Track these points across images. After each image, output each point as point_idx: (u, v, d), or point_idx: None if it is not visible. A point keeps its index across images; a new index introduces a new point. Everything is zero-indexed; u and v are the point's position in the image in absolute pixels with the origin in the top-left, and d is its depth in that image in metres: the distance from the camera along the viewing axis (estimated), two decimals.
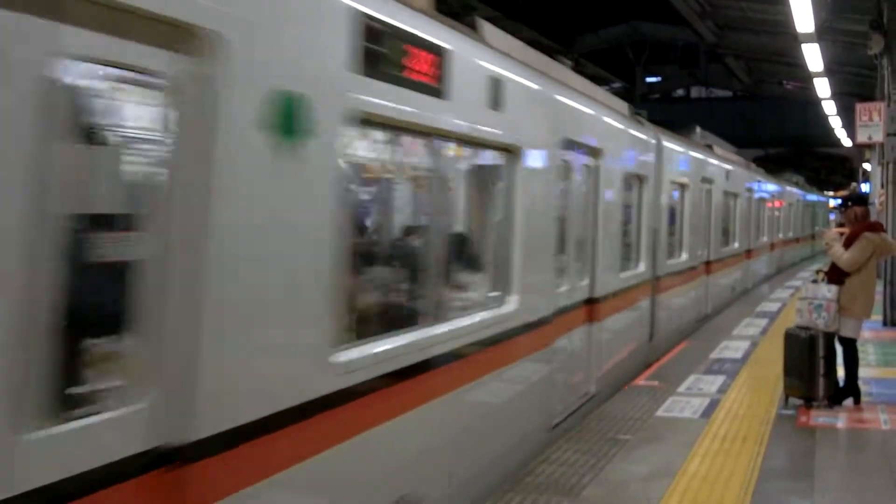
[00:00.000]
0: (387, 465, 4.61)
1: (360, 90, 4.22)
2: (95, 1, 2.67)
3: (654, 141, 11.14)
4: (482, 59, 5.88)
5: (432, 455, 5.15)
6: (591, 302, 8.29)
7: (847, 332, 8.12)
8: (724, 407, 8.16)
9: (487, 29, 6.39)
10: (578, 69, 11.26)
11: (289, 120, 3.59)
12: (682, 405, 8.22)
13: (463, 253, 6.19)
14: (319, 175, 3.89)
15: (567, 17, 27.95)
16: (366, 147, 4.96)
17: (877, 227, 8.57)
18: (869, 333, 12.12)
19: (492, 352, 5.91)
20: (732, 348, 11.55)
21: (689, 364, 10.30)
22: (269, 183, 3.50)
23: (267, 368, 3.57)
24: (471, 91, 5.56)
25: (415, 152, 5.36)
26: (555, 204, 7.17)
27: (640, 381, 9.37)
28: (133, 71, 2.92)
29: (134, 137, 3.08)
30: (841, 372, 8.21)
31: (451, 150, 5.63)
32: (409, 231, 5.66)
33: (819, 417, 7.77)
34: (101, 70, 2.85)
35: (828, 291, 8.03)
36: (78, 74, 2.73)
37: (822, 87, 20.85)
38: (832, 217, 41.86)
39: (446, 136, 5.36)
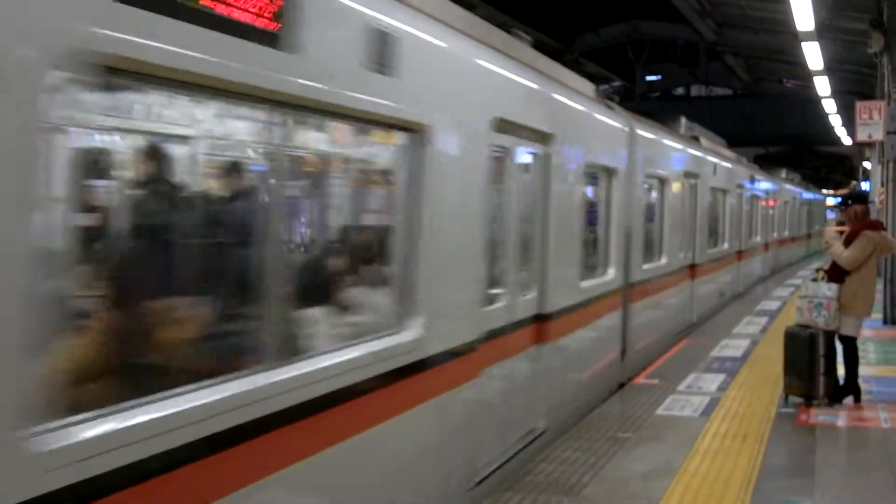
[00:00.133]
0: None
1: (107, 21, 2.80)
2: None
3: (626, 129, 9.63)
4: (360, 2, 4.34)
5: None
6: (540, 319, 6.89)
7: (847, 331, 8.13)
8: (725, 405, 8.17)
9: None
10: (573, 65, 11.08)
11: None
12: (683, 404, 8.22)
13: (347, 266, 4.98)
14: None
15: (567, 17, 27.95)
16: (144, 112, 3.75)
17: (877, 226, 8.57)
18: (869, 332, 12.11)
19: (373, 399, 4.41)
20: (732, 347, 11.55)
21: (689, 362, 10.30)
22: None
23: None
24: (339, 45, 4.11)
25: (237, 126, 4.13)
26: (484, 201, 5.71)
27: (640, 380, 9.38)
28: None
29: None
30: (841, 370, 8.21)
31: (314, 125, 4.43)
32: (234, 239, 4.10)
33: (819, 416, 7.77)
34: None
35: (828, 290, 8.03)
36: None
37: (822, 85, 20.85)
38: (832, 215, 41.66)
39: (297, 105, 3.84)
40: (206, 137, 4.30)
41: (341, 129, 4.74)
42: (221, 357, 3.77)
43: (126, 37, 2.85)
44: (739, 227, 18.36)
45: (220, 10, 3.23)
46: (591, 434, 7.14)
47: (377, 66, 4.35)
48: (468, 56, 5.69)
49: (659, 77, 38.39)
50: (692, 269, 13.51)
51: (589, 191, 8.74)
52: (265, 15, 3.46)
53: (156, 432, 2.97)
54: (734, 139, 32.06)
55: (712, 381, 9.24)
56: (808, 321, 8.07)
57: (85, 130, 3.37)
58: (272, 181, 3.86)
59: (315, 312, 4.45)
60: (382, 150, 5.17)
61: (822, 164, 50.28)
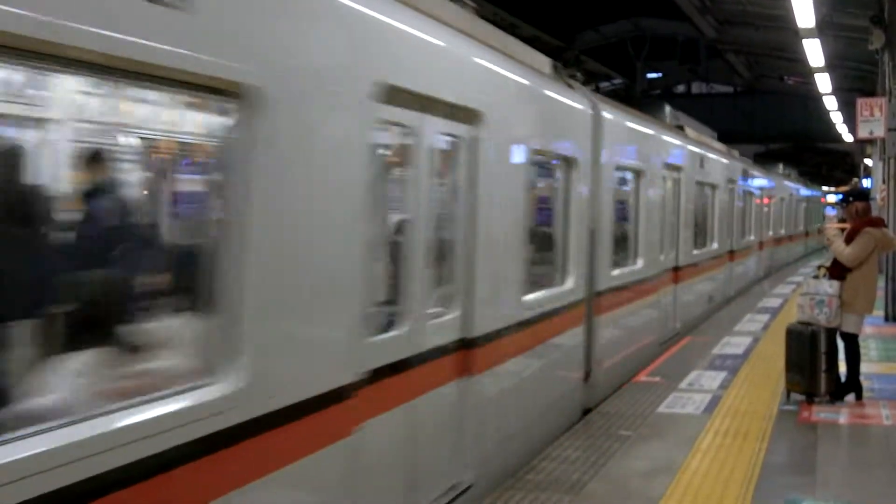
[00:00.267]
0: None
1: None
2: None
3: (589, 112, 8.24)
4: None
5: None
6: (466, 345, 5.54)
7: (849, 328, 8.12)
8: (726, 403, 8.16)
9: None
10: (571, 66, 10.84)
11: None
12: (684, 401, 8.22)
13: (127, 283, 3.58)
14: None
15: (568, 14, 27.93)
16: None
17: (878, 223, 8.57)
18: (870, 329, 12.11)
19: (153, 491, 2.96)
20: (734, 344, 11.54)
21: (690, 360, 10.30)
22: None
23: None
24: None
25: None
26: (363, 195, 4.23)
27: (642, 378, 9.37)
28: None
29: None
30: (843, 367, 8.21)
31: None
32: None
33: (821, 413, 7.77)
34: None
35: (829, 287, 8.03)
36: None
37: (823, 82, 20.82)
38: (833, 212, 41.44)
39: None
40: None
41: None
42: None
43: None
44: (731, 226, 17.01)
45: None
46: (592, 432, 7.14)
47: None
48: None
49: (660, 74, 38.32)
50: (675, 273, 12.14)
51: (540, 184, 7.66)
52: None
53: None
54: (735, 136, 32.05)
55: (714, 379, 9.23)
56: (809, 318, 8.06)
57: None
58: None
59: (78, 358, 3.25)
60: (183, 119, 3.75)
61: (824, 161, 50.22)
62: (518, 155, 6.37)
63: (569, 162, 7.68)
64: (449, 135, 5.40)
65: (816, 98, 25.30)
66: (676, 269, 12.20)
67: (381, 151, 4.60)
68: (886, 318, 13.89)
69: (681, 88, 41.82)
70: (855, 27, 16.79)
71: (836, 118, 28.58)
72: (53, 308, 3.00)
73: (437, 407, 5.23)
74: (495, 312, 5.96)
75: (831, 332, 8.05)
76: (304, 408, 3.76)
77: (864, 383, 8.39)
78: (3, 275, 2.58)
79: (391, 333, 4.75)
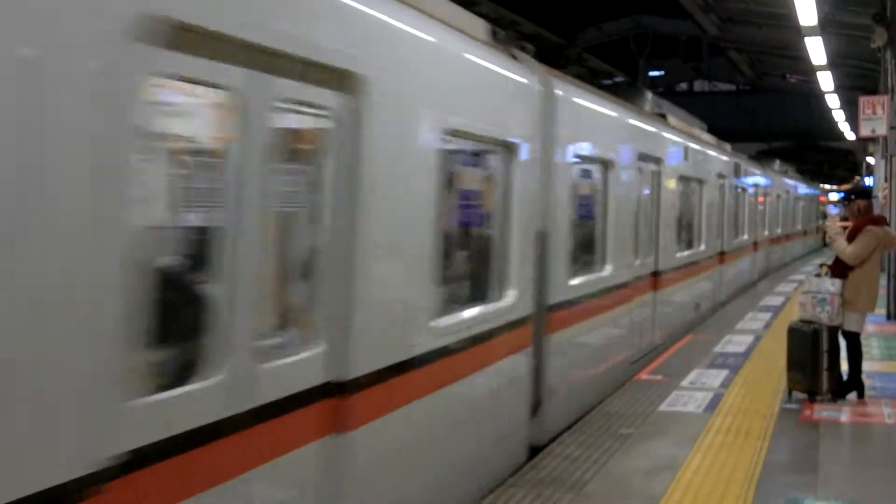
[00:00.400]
0: None
1: None
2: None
3: (536, 88, 6.83)
4: None
5: None
6: (336, 391, 4.10)
7: (850, 326, 8.12)
8: (728, 401, 8.16)
9: None
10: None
11: None
12: (686, 399, 8.21)
13: None
14: None
15: (570, 12, 27.93)
16: None
17: (880, 221, 8.57)
18: (872, 327, 12.08)
19: None
20: (736, 342, 11.53)
21: (692, 358, 10.29)
22: None
23: None
24: None
25: None
26: (116, 185, 2.85)
27: (644, 376, 9.36)
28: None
29: None
30: (844, 366, 8.20)
31: None
32: None
33: (822, 411, 7.76)
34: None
35: (831, 285, 8.02)
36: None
37: (826, 80, 20.80)
38: (835, 210, 41.16)
39: None
40: None
41: None
42: None
43: None
44: (721, 225, 15.63)
45: None
46: (594, 430, 7.14)
47: None
48: None
49: (662, 72, 38.31)
50: (655, 279, 10.75)
51: (463, 175, 6.18)
52: None
53: None
54: (737, 134, 32.03)
55: (716, 377, 9.23)
56: (811, 317, 8.06)
57: None
58: None
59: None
60: None
61: (826, 159, 50.20)
62: (425, 137, 4.91)
63: (508, 149, 6.25)
64: (307, 105, 3.96)
65: (819, 96, 25.27)
66: (656, 274, 10.81)
67: (150, 119, 3.05)
68: (888, 317, 13.88)
69: (683, 86, 41.82)
70: (857, 25, 16.76)
71: (839, 116, 28.55)
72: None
73: (281, 483, 3.76)
74: (386, 344, 4.54)
75: (833, 331, 8.04)
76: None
77: (866, 382, 8.38)
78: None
79: (184, 389, 3.24)
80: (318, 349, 4.03)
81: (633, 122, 10.04)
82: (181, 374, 3.30)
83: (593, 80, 11.31)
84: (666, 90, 40.00)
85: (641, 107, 11.80)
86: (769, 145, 37.20)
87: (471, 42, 5.89)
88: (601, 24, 31.11)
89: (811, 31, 14.82)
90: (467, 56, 5.76)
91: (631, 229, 9.67)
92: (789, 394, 8.18)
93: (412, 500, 4.89)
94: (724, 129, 28.46)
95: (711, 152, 15.06)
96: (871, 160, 29.83)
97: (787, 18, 15.72)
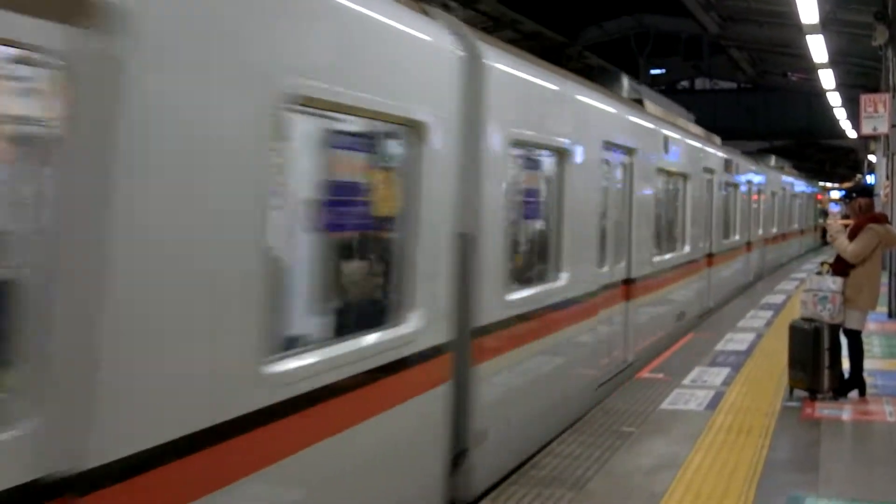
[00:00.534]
0: None
1: None
2: None
3: (456, 54, 5.44)
4: None
5: None
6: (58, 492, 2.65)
7: (852, 324, 8.11)
8: (729, 399, 8.16)
9: None
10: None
11: None
12: (687, 397, 8.21)
13: None
14: None
15: (570, 11, 27.94)
16: None
17: (881, 219, 8.55)
18: (874, 325, 12.09)
19: None
20: (737, 340, 11.53)
21: (693, 356, 10.29)
22: None
23: None
24: None
25: None
26: None
27: (645, 374, 9.37)
28: None
29: None
30: (846, 364, 8.20)
31: None
32: None
33: (824, 409, 7.76)
34: None
35: (833, 283, 8.02)
36: None
37: (827, 78, 20.78)
38: (836, 209, 40.96)
39: None
40: None
41: None
42: None
43: None
44: (709, 224, 14.34)
45: None
46: (595, 428, 7.14)
47: None
48: None
49: (663, 71, 38.31)
50: (627, 288, 9.39)
51: (339, 162, 4.66)
52: None
53: None
54: (738, 133, 32.05)
55: (717, 375, 9.23)
56: (812, 315, 8.05)
57: None
58: None
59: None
60: None
61: (827, 157, 50.20)
62: (246, 105, 3.47)
63: (414, 130, 4.91)
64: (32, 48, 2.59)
65: (820, 94, 25.27)
66: (629, 282, 9.44)
67: None
68: (890, 315, 13.87)
69: (684, 84, 41.83)
70: (858, 23, 16.75)
71: (840, 114, 28.55)
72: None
73: None
74: (170, 408, 3.10)
75: (834, 329, 8.04)
76: None
77: (868, 380, 8.38)
78: None
79: None
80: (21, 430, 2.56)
81: (595, 104, 8.37)
82: None
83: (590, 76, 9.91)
84: (667, 88, 40.02)
85: (618, 91, 10.57)
86: (770, 143, 37.17)
87: None
88: (602, 23, 31.13)
89: (812, 29, 14.82)
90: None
91: (595, 231, 8.21)
92: (791, 392, 8.18)
93: None
94: (726, 128, 28.46)
95: (697, 144, 13.59)
96: (872, 158, 29.83)
97: (789, 16, 15.72)
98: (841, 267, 8.11)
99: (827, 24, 15.28)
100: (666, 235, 11.79)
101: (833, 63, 18.95)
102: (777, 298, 16.63)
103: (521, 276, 6.79)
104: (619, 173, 9.26)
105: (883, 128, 15.01)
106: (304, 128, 4.18)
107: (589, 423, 7.30)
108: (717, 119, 30.65)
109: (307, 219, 4.31)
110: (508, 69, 6.26)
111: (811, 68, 20.58)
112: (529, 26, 19.88)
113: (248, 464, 3.47)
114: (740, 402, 8.03)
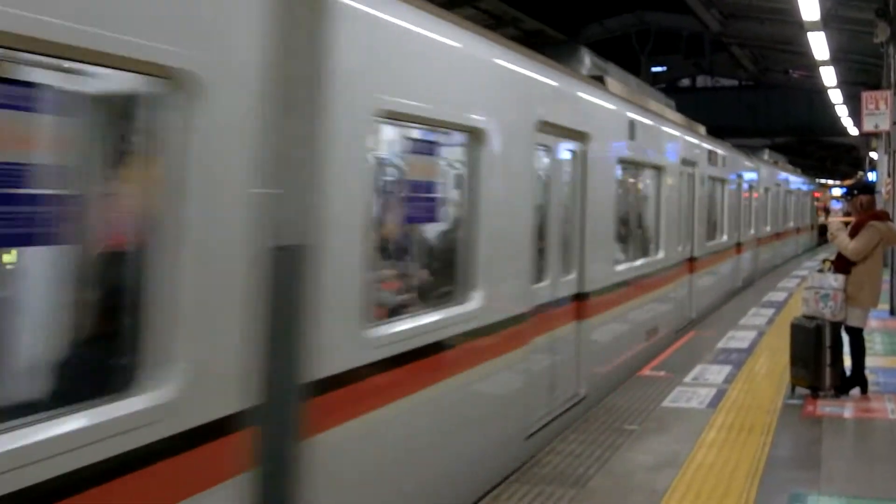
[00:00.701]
0: None
1: None
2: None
3: None
4: None
5: None
6: None
7: (853, 322, 8.11)
8: (731, 397, 8.16)
9: None
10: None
11: None
12: (689, 395, 8.22)
13: None
14: None
15: (572, 8, 27.92)
16: None
17: (883, 216, 8.55)
18: (875, 323, 12.09)
19: None
20: (739, 338, 11.53)
21: (695, 354, 10.29)
22: None
23: None
24: None
25: None
26: None
27: (647, 372, 9.37)
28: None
29: None
30: (847, 361, 8.20)
31: None
32: None
33: (826, 407, 7.77)
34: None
35: (834, 281, 8.02)
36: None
37: (828, 75, 20.76)
38: (838, 206, 40.55)
39: None
40: None
41: None
42: None
43: None
44: (691, 224, 12.68)
45: None
46: (597, 426, 7.14)
47: None
48: None
49: (664, 68, 38.28)
50: (578, 305, 7.63)
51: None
52: None
53: None
54: (740, 130, 32.01)
55: (719, 373, 9.23)
56: (814, 312, 8.05)
57: None
58: None
59: None
60: None
61: (829, 155, 50.21)
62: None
63: (176, 87, 3.19)
64: None
65: (821, 91, 25.24)
66: (581, 297, 7.69)
67: None
68: (892, 312, 13.86)
69: (686, 82, 41.80)
70: (860, 20, 16.74)
71: (842, 112, 28.53)
72: None
73: None
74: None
75: (836, 326, 8.04)
76: None
77: (869, 377, 8.38)
78: None
79: None
80: None
81: (526, 73, 6.55)
82: None
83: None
84: (668, 86, 40.00)
85: (577, 68, 8.96)
86: (772, 141, 37.14)
87: None
88: (603, 20, 31.10)
89: (814, 27, 14.80)
90: None
91: (527, 235, 6.48)
92: (792, 389, 8.18)
93: None
94: (727, 125, 28.43)
95: (674, 132, 11.78)
96: (873, 155, 29.79)
97: (790, 13, 15.71)
98: (842, 264, 8.11)
99: (828, 21, 15.27)
100: (635, 239, 10.12)
101: (834, 60, 18.93)
102: (779, 296, 16.62)
103: (402, 302, 5.16)
104: (565, 163, 7.50)
105: (884, 125, 15.01)
106: None
107: (590, 421, 7.30)
108: (719, 117, 30.58)
109: None
110: (373, 11, 4.54)
111: (812, 65, 20.56)
112: (531, 24, 19.89)
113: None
114: (742, 400, 8.04)
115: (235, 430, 3.44)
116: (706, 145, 14.14)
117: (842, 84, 23.09)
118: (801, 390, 8.12)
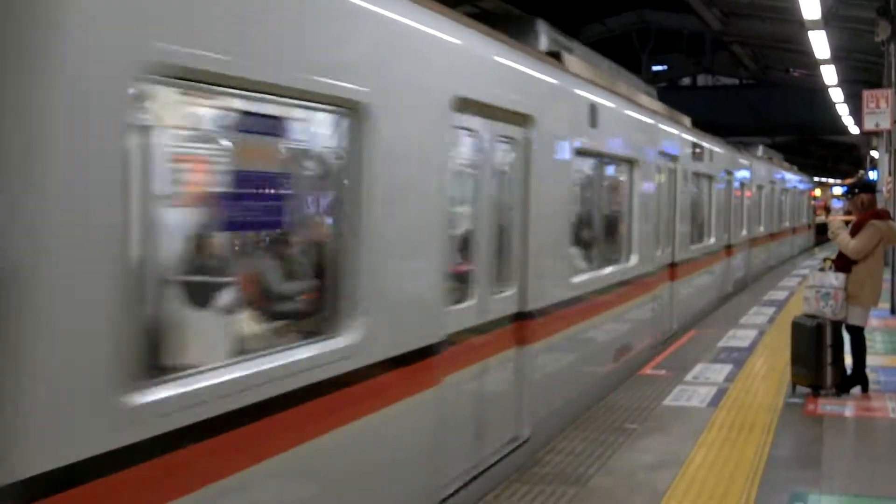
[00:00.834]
0: None
1: None
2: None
3: None
4: None
5: None
6: None
7: (854, 321, 8.11)
8: (732, 396, 8.16)
9: None
10: None
11: None
12: (690, 394, 8.21)
13: None
14: None
15: (573, 7, 27.92)
16: None
17: (883, 215, 8.54)
18: (876, 321, 12.08)
19: None
20: (740, 337, 11.52)
21: (696, 353, 10.29)
22: None
23: None
24: None
25: None
26: None
27: (648, 370, 9.36)
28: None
29: None
30: (848, 360, 8.19)
31: None
32: None
33: (826, 406, 7.76)
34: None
35: (835, 279, 8.01)
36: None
37: (829, 74, 20.75)
38: (838, 204, 40.35)
39: None
40: None
41: None
42: None
43: None
44: (671, 226, 11.36)
45: None
46: (597, 425, 7.14)
47: None
48: None
49: (665, 67, 38.29)
50: (520, 326, 6.26)
51: None
52: None
53: None
54: (741, 129, 31.99)
55: (719, 372, 9.23)
56: (815, 311, 8.05)
57: None
58: None
59: None
60: None
61: (829, 153, 50.17)
62: None
63: None
64: None
65: (822, 90, 25.22)
66: (524, 317, 6.32)
67: None
68: (892, 311, 13.85)
69: (686, 81, 41.80)
70: (861, 19, 16.73)
71: (842, 110, 28.52)
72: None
73: None
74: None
75: (837, 325, 8.04)
76: None
77: (870, 376, 8.37)
78: None
79: None
80: None
81: (423, 29, 4.97)
82: None
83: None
84: (669, 85, 40.01)
85: (533, 44, 7.45)
86: (773, 140, 37.12)
87: None
88: (604, 20, 31.13)
89: (815, 25, 14.79)
90: None
91: (432, 244, 5.02)
92: (793, 388, 8.18)
93: None
94: (728, 124, 28.41)
95: (649, 121, 10.29)
96: (874, 154, 29.77)
97: (791, 12, 15.69)
98: (843, 263, 8.11)
99: (829, 20, 15.26)
100: (600, 244, 8.75)
101: (835, 59, 18.92)
102: (780, 295, 16.61)
103: (207, 345, 3.63)
104: (502, 155, 6.15)
105: (885, 124, 15.00)
106: None
107: (591, 420, 7.30)
108: (719, 115, 30.61)
109: None
110: None
111: (813, 64, 20.55)
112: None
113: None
114: (743, 399, 8.03)
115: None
116: (690, 137, 12.56)
117: (843, 82, 23.08)
118: (801, 389, 8.12)
